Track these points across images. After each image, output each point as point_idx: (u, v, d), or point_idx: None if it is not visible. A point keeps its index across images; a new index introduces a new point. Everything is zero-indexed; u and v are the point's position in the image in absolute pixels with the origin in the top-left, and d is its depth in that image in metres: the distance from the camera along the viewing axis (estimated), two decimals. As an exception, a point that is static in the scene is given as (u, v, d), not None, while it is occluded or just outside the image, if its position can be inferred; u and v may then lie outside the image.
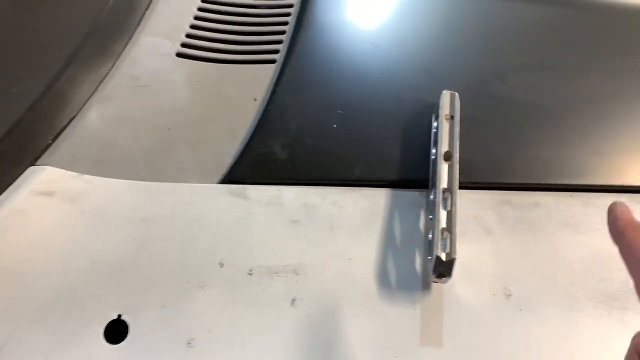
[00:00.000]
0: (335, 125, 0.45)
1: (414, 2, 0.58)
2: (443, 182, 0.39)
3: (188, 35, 0.54)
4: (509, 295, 0.38)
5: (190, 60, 0.52)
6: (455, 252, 0.36)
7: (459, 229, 0.40)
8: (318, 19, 0.55)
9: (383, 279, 0.38)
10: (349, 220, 0.41)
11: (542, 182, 0.43)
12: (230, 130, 0.46)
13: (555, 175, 0.43)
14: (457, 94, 0.43)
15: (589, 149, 0.44)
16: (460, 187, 0.42)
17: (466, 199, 0.42)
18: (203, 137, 0.47)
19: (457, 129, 0.42)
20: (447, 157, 0.41)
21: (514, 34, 0.54)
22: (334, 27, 0.54)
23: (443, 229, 0.37)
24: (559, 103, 0.47)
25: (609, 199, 0.43)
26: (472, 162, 0.43)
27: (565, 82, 0.49)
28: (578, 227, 0.41)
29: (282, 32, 0.54)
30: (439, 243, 0.36)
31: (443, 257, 0.36)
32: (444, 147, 0.41)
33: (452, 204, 0.38)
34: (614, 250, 0.40)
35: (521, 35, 0.54)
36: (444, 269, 0.36)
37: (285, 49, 0.52)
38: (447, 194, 0.39)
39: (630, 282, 0.37)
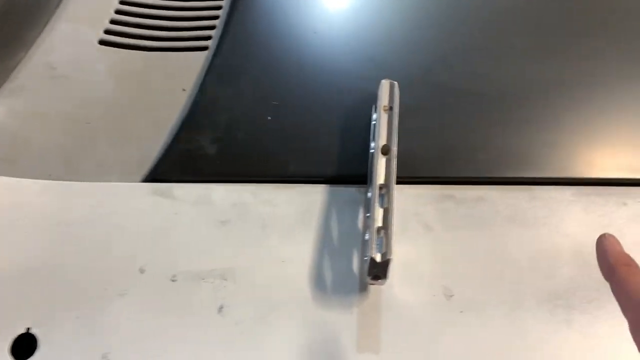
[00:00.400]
0: (269, 118, 0.42)
1: None
2: (380, 178, 0.37)
3: (112, 21, 0.50)
4: (450, 296, 0.36)
5: (114, 48, 0.48)
6: (391, 253, 0.34)
7: (398, 226, 0.38)
8: (254, 3, 0.51)
9: (318, 282, 0.36)
10: (282, 220, 0.38)
11: (487, 175, 0.41)
12: (155, 124, 0.43)
13: (500, 168, 0.41)
14: (396, 83, 0.41)
15: (535, 140, 0.43)
16: (401, 182, 0.40)
17: (406, 195, 0.40)
18: (126, 131, 0.43)
19: (395, 120, 0.39)
20: (385, 150, 0.38)
21: (461, 19, 0.51)
22: (271, 11, 0.51)
23: (379, 228, 0.35)
24: (506, 92, 0.45)
25: (556, 192, 0.42)
26: (413, 155, 0.41)
27: (513, 70, 0.47)
28: (525, 222, 0.39)
29: (216, 17, 0.51)
30: (374, 243, 0.34)
31: (378, 258, 0.34)
32: (381, 140, 0.38)
33: (389, 201, 0.36)
34: (561, 245, 0.39)
35: (469, 21, 0.51)
36: (379, 271, 0.34)
37: (219, 35, 0.49)
38: (384, 190, 0.37)
39: (578, 280, 0.36)
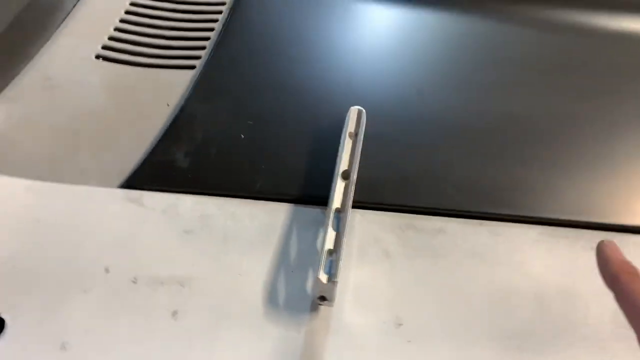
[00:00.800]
0: (243, 136, 0.44)
1: (341, 15, 0.57)
2: (336, 202, 0.38)
3: (111, 38, 0.53)
4: (400, 324, 0.36)
5: (109, 63, 0.51)
6: (337, 276, 0.34)
7: (358, 251, 0.39)
8: (244, 27, 0.54)
9: (271, 298, 0.37)
10: (244, 234, 0.40)
11: (450, 207, 0.41)
12: (138, 136, 0.45)
13: (464, 201, 0.42)
14: (364, 110, 0.43)
15: (502, 175, 0.43)
16: (365, 207, 0.42)
17: (369, 220, 0.41)
18: (110, 141, 0.45)
19: (359, 147, 0.41)
20: (345, 175, 0.39)
21: (441, 49, 0.53)
22: (260, 36, 0.53)
23: (329, 250, 0.36)
24: (477, 126, 0.46)
25: (521, 230, 0.42)
26: (379, 181, 0.42)
27: (483, 105, 0.48)
28: (483, 258, 0.39)
29: (207, 39, 0.53)
30: (323, 265, 0.35)
31: (324, 279, 0.34)
32: (342, 165, 0.40)
33: (343, 225, 0.37)
34: (519, 285, 0.39)
35: (448, 51, 0.53)
36: (324, 292, 0.35)
37: (207, 56, 0.51)
38: (340, 214, 0.38)
39: (535, 322, 0.36)
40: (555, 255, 0.40)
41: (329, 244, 0.36)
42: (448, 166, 0.44)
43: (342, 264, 0.35)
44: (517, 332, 0.36)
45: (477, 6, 0.58)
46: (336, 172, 0.40)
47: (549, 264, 0.39)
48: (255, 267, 0.38)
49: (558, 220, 0.41)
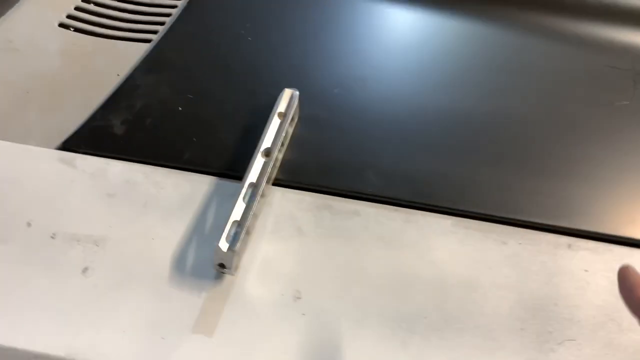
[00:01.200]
0: (180, 109, 0.46)
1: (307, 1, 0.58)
2: (252, 177, 0.39)
3: (77, 8, 0.56)
4: (298, 298, 0.37)
5: (71, 32, 0.53)
6: (236, 246, 0.36)
7: (272, 226, 0.40)
8: (205, 6, 0.55)
9: (179, 264, 0.38)
10: (164, 202, 0.41)
11: (368, 192, 0.42)
12: (84, 102, 0.47)
13: (384, 187, 0.42)
14: (297, 93, 0.44)
15: (425, 165, 0.44)
16: (287, 186, 0.43)
17: (288, 198, 0.42)
18: (57, 104, 0.47)
19: (284, 127, 0.42)
20: (266, 153, 0.41)
21: (390, 38, 0.53)
22: (218, 17, 0.55)
23: (235, 222, 0.37)
24: (410, 115, 0.47)
25: (436, 219, 0.43)
26: (305, 162, 0.43)
27: (423, 94, 0.49)
28: (391, 243, 0.40)
29: (168, 15, 0.55)
30: (225, 234, 0.36)
31: (224, 248, 0.36)
32: (265, 143, 0.41)
33: (253, 199, 0.38)
34: (422, 271, 0.40)
35: (396, 40, 0.53)
36: (223, 260, 0.36)
37: (164, 31, 0.53)
38: (252, 189, 0.39)
39: (429, 308, 0.37)
40: (465, 246, 0.40)
41: (236, 216, 0.37)
42: (374, 153, 0.44)
43: (244, 236, 0.37)
44: (410, 315, 0.37)
45: None
46: (257, 148, 0.41)
47: (457, 254, 0.40)
48: (169, 234, 0.40)
49: (474, 212, 0.41)
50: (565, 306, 0.38)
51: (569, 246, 0.41)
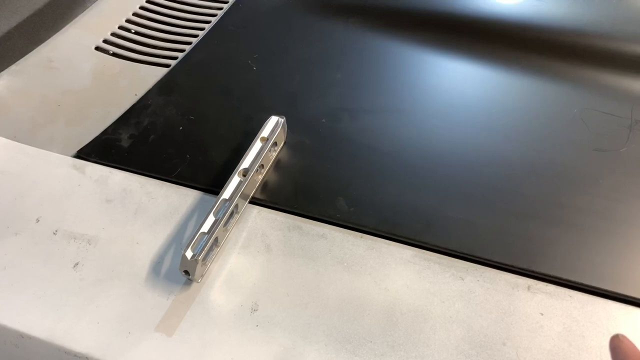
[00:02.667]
0: (181, 128, 0.51)
1: (318, 36, 0.61)
2: (226, 194, 0.43)
3: (113, 34, 0.63)
4: (255, 310, 0.40)
5: (104, 55, 0.60)
6: (200, 256, 0.39)
7: (244, 241, 0.44)
8: (222, 38, 0.60)
9: (156, 267, 0.43)
10: (153, 210, 0.46)
11: (334, 217, 0.45)
12: (104, 116, 0.53)
13: (352, 214, 0.45)
14: (282, 120, 0.47)
15: (393, 196, 0.46)
16: (264, 205, 0.46)
17: (263, 217, 0.45)
18: (82, 117, 0.54)
19: (265, 150, 0.45)
20: (244, 173, 0.44)
21: (382, 75, 0.56)
22: (231, 46, 0.60)
23: (203, 233, 0.41)
24: (384, 146, 0.49)
25: (397, 249, 0.44)
26: (284, 184, 0.47)
27: (399, 126, 0.51)
28: (351, 267, 0.42)
29: (189, 43, 0.61)
30: (193, 243, 0.40)
31: (188, 256, 0.39)
32: (244, 164, 0.45)
33: (224, 214, 0.42)
34: (375, 297, 0.42)
35: (388, 77, 0.56)
36: (187, 268, 0.40)
37: (182, 58, 0.59)
38: (225, 205, 0.42)
39: (376, 332, 0.39)
40: (422, 278, 0.41)
41: (205, 228, 0.41)
42: (348, 181, 0.47)
43: (210, 247, 0.41)
44: (357, 337, 0.38)
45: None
46: (236, 168, 0.44)
47: (412, 284, 0.41)
48: (152, 239, 0.44)
49: (436, 246, 0.43)
50: (513, 347, 0.38)
51: (528, 288, 0.41)
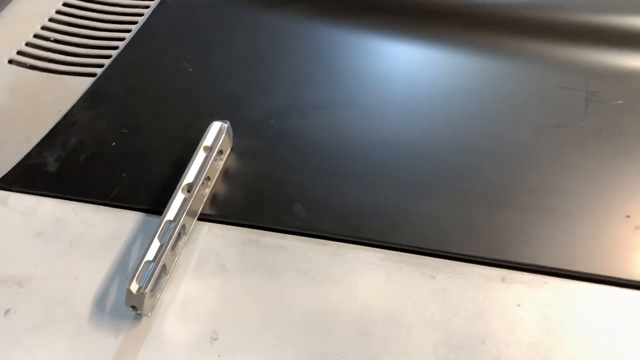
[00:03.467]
0: (113, 144, 0.46)
1: (248, 35, 0.57)
2: (170, 214, 0.39)
3: (28, 44, 0.56)
4: (215, 339, 0.36)
5: (20, 68, 0.54)
6: (147, 288, 0.35)
7: (196, 263, 0.40)
8: (150, 42, 0.55)
9: (99, 303, 0.38)
10: (91, 240, 0.41)
11: (293, 226, 0.41)
12: (25, 139, 0.48)
13: (311, 221, 0.41)
14: (226, 125, 0.43)
15: (353, 196, 0.43)
16: (215, 221, 0.42)
17: (215, 233, 0.42)
18: (-1, 141, 0.48)
19: (209, 161, 0.41)
20: (188, 189, 0.40)
21: (328, 68, 0.52)
22: (163, 46, 0.55)
23: (148, 261, 0.37)
24: (338, 144, 0.46)
25: (364, 253, 0.41)
26: (234, 196, 0.43)
27: (352, 120, 0.48)
28: (316, 278, 0.39)
29: (116, 48, 0.55)
30: (137, 274, 0.36)
31: (134, 290, 0.35)
32: (187, 178, 0.40)
33: (170, 237, 0.38)
34: (345, 308, 0.38)
35: (334, 70, 0.52)
36: (134, 303, 0.36)
37: (108, 65, 0.53)
38: (170, 227, 0.38)
39: (348, 346, 0.36)
40: (392, 281, 0.39)
41: (150, 255, 0.37)
42: (304, 185, 0.43)
43: (158, 276, 0.37)
44: (328, 354, 0.35)
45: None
46: (179, 184, 0.40)
47: (382, 289, 0.38)
48: (92, 273, 0.40)
49: (404, 245, 0.40)
50: (493, 344, 0.36)
51: (503, 279, 0.39)
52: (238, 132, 0.46)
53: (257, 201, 0.43)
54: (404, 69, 0.52)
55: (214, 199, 0.43)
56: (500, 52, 0.54)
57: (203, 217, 0.42)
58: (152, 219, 0.42)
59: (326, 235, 0.41)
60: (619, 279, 0.38)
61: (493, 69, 0.52)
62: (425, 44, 0.55)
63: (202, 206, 0.42)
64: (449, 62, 0.53)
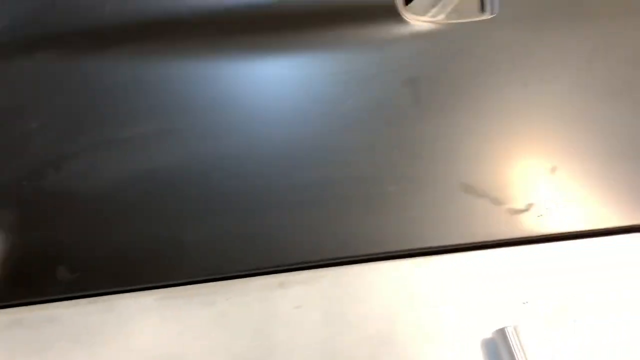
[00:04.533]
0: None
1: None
2: None
3: None
4: None
5: None
6: None
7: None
8: None
9: None
10: None
11: (58, 292, 0.38)
12: None
13: (77, 281, 0.38)
14: None
15: (121, 241, 0.40)
16: None
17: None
18: None
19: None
20: None
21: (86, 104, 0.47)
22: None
23: None
24: (102, 190, 0.42)
25: (135, 299, 0.37)
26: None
27: (118, 163, 0.44)
28: (89, 342, 0.36)
29: None
30: None
31: None
32: None
33: None
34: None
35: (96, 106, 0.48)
36: None
37: None
38: None
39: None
40: (167, 320, 0.37)
41: None
42: (68, 244, 0.40)
43: None
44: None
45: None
46: None
47: (158, 331, 0.36)
48: None
49: (178, 280, 0.38)
50: (281, 356, 0.35)
51: (281, 284, 0.38)
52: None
53: (15, 275, 0.39)
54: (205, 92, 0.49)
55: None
56: (276, 51, 0.52)
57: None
58: None
59: (97, 292, 0.38)
60: (385, 252, 0.39)
61: (277, 71, 0.49)
62: (189, 62, 0.52)
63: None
64: (229, 75, 0.50)
